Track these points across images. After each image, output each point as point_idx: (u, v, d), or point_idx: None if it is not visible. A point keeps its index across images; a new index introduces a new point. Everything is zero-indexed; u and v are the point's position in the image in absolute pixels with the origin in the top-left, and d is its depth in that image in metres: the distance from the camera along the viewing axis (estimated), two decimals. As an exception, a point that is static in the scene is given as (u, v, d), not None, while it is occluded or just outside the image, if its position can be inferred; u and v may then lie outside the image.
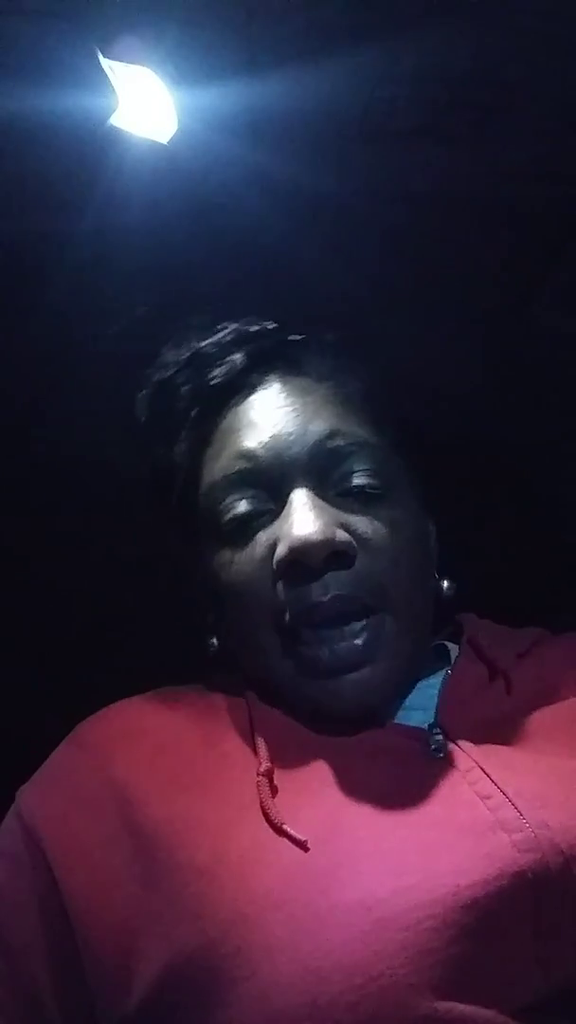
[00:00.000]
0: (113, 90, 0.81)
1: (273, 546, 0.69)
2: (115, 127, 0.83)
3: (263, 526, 0.70)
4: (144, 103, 0.82)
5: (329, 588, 0.67)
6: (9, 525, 1.03)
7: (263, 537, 0.70)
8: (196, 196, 0.91)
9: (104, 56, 0.78)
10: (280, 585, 0.68)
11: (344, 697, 0.67)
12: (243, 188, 0.90)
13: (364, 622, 0.68)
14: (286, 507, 0.69)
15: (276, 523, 0.69)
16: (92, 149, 0.85)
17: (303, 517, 0.67)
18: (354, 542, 0.68)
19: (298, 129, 0.87)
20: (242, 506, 0.71)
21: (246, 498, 0.71)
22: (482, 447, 1.05)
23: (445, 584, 0.76)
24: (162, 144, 0.85)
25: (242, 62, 0.81)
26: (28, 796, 0.71)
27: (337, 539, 0.67)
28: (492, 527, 1.07)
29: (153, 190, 0.89)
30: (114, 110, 0.82)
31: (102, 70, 0.79)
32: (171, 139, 0.85)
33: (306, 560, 0.66)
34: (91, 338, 0.96)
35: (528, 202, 0.94)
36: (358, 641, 0.67)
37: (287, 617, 0.68)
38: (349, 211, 0.93)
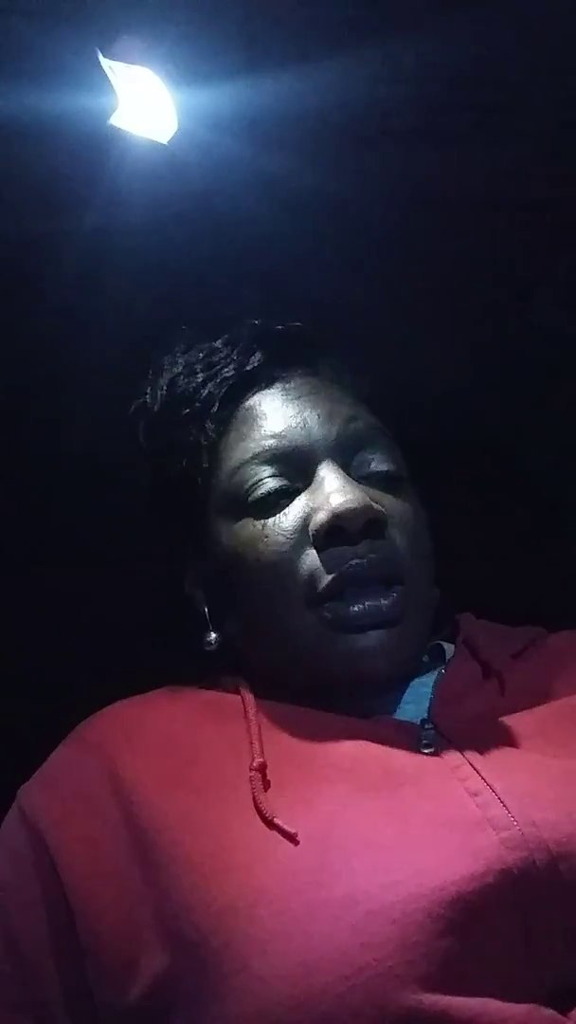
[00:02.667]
0: (113, 90, 0.81)
1: (306, 518, 0.72)
2: (115, 127, 0.83)
3: (292, 501, 0.73)
4: (144, 103, 0.82)
5: (366, 553, 0.70)
6: (8, 525, 1.03)
7: (294, 510, 0.73)
8: (196, 196, 0.91)
9: (104, 56, 0.78)
10: (315, 554, 0.71)
11: (369, 649, 0.69)
12: (243, 188, 0.90)
13: (390, 589, 0.71)
14: (315, 481, 0.73)
15: (307, 496, 0.73)
16: (92, 149, 0.85)
17: (341, 486, 0.71)
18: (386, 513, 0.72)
19: (298, 129, 0.87)
20: (272, 482, 0.74)
21: (276, 475, 0.74)
22: (482, 446, 1.05)
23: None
24: (162, 144, 0.85)
25: (242, 62, 0.81)
26: (30, 793, 0.71)
27: (375, 507, 0.71)
28: (493, 527, 1.07)
29: (153, 190, 0.89)
30: (114, 110, 0.82)
31: (102, 70, 0.79)
32: (171, 139, 0.85)
33: (347, 525, 0.70)
34: (91, 338, 0.95)
35: (528, 202, 0.94)
36: (385, 601, 0.70)
37: (321, 586, 0.70)
38: (349, 211, 0.93)
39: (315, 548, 0.71)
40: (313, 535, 0.71)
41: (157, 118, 0.84)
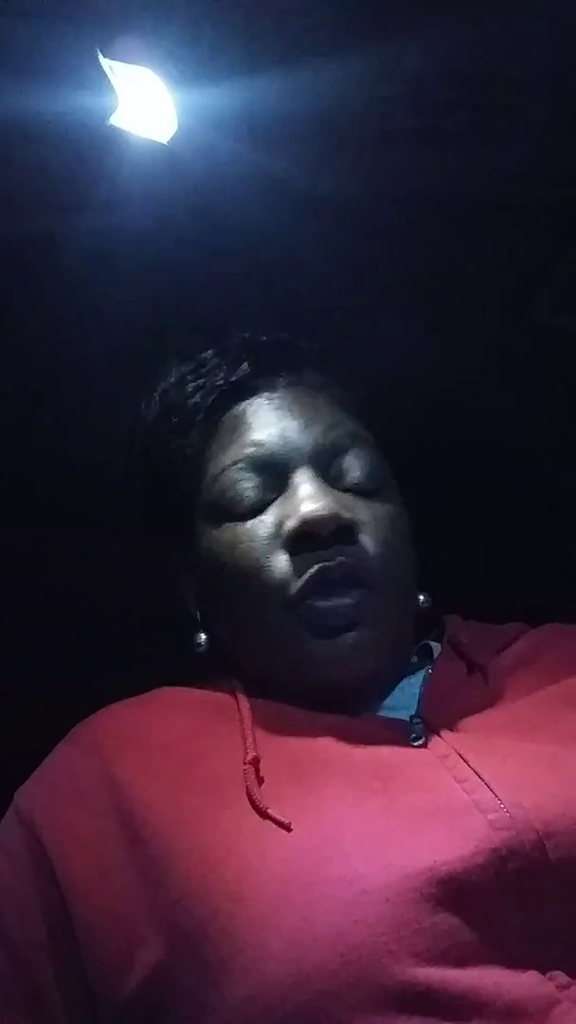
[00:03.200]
0: (113, 90, 0.81)
1: (280, 524, 0.74)
2: (115, 127, 0.83)
3: (269, 508, 0.75)
4: (144, 103, 0.82)
5: (335, 556, 0.72)
6: (7, 526, 1.03)
7: (269, 517, 0.75)
8: (196, 196, 0.91)
9: (104, 56, 0.78)
10: (287, 558, 0.73)
11: (342, 655, 0.71)
12: (243, 188, 0.90)
13: (358, 590, 0.72)
14: (290, 488, 0.75)
15: (282, 503, 0.75)
16: (92, 149, 0.85)
17: (312, 493, 0.73)
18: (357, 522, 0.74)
19: (298, 129, 0.87)
20: (251, 489, 0.76)
21: (254, 482, 0.76)
22: (481, 446, 1.05)
23: (421, 597, 0.81)
24: (162, 144, 0.85)
25: (242, 62, 0.81)
26: (26, 794, 0.72)
27: (344, 515, 0.73)
28: (491, 527, 1.07)
29: (153, 190, 0.89)
30: (114, 110, 0.82)
31: (102, 70, 0.79)
32: (171, 139, 0.85)
33: (317, 530, 0.72)
34: (91, 338, 0.96)
35: (528, 202, 0.94)
36: (351, 600, 0.72)
37: (293, 589, 0.72)
38: (349, 211, 0.93)
39: (287, 553, 0.73)
40: (285, 541, 0.73)
41: (157, 118, 0.84)
